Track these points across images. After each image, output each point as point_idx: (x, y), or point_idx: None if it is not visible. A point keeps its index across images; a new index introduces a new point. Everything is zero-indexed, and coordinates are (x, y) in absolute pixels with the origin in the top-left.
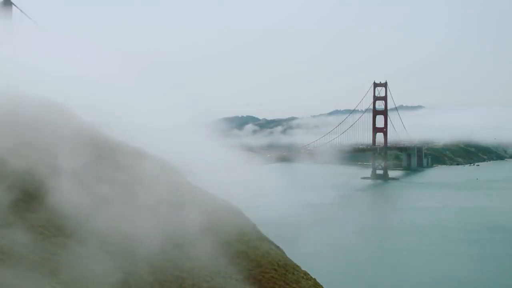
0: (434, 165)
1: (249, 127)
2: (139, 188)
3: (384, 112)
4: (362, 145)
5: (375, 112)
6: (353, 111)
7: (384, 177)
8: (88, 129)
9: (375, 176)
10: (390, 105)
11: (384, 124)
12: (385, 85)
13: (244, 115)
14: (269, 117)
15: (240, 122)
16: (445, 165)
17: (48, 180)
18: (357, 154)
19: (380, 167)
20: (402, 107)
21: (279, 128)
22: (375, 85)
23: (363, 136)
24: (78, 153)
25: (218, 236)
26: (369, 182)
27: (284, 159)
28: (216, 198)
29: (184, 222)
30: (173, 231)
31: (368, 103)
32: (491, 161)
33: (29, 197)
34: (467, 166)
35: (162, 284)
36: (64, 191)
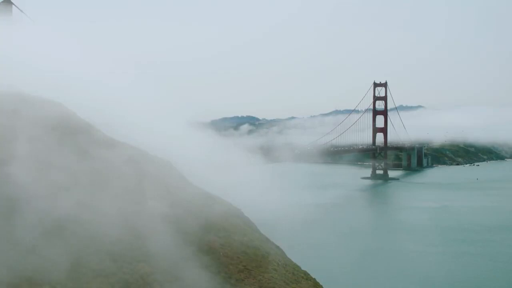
0: (434, 165)
1: (249, 127)
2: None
3: (384, 112)
4: (362, 145)
5: (375, 112)
6: (353, 111)
7: (384, 177)
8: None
9: (375, 176)
10: (390, 105)
11: (384, 124)
12: (385, 85)
13: (244, 115)
14: (269, 117)
15: (240, 122)
16: (445, 165)
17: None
18: (357, 154)
19: (380, 167)
20: (402, 107)
21: (279, 128)
22: (375, 85)
23: (363, 136)
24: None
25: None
26: (369, 182)
27: (284, 159)
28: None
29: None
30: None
31: (368, 103)
32: (491, 161)
33: None
34: (467, 166)
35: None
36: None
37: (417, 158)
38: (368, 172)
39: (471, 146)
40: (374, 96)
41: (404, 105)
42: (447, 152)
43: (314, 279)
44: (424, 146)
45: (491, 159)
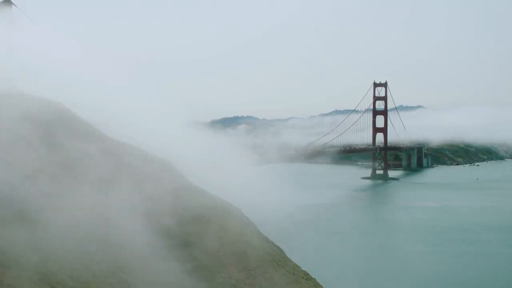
0: (434, 165)
1: (249, 127)
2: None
3: (384, 112)
4: (362, 145)
5: (375, 112)
6: (353, 111)
7: (384, 177)
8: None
9: (375, 176)
10: (390, 105)
11: (384, 124)
12: (385, 85)
13: (244, 115)
14: (269, 117)
15: (239, 122)
16: (445, 165)
17: None
18: (357, 154)
19: (380, 167)
20: (402, 107)
21: (279, 128)
22: (375, 85)
23: (363, 136)
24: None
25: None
26: (369, 182)
27: (284, 159)
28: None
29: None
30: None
31: (368, 103)
32: (491, 161)
33: None
34: (467, 166)
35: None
36: None
37: (417, 158)
38: (368, 172)
39: (471, 146)
40: (374, 96)
41: (404, 105)
42: (447, 152)
43: (314, 279)
44: (424, 146)
45: (491, 159)
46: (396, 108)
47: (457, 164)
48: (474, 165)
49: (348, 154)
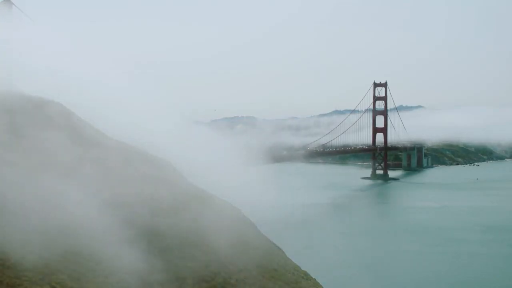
0: (434, 165)
1: (249, 127)
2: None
3: (384, 112)
4: (362, 145)
5: (375, 112)
6: (353, 111)
7: (384, 177)
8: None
9: (375, 176)
10: (390, 105)
11: (384, 124)
12: (385, 85)
13: (244, 115)
14: (269, 117)
15: (239, 122)
16: (445, 165)
17: None
18: (357, 154)
19: (380, 167)
20: (402, 107)
21: (279, 128)
22: (375, 85)
23: (363, 136)
24: None
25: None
26: (369, 182)
27: (283, 159)
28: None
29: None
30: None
31: (368, 103)
32: (491, 161)
33: None
34: (467, 166)
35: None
36: None
37: (417, 158)
38: (368, 172)
39: (471, 146)
40: (374, 96)
41: (404, 105)
42: (447, 152)
43: (314, 279)
44: (424, 146)
45: (491, 159)
46: (396, 108)
47: (457, 164)
48: (474, 165)
49: (348, 154)
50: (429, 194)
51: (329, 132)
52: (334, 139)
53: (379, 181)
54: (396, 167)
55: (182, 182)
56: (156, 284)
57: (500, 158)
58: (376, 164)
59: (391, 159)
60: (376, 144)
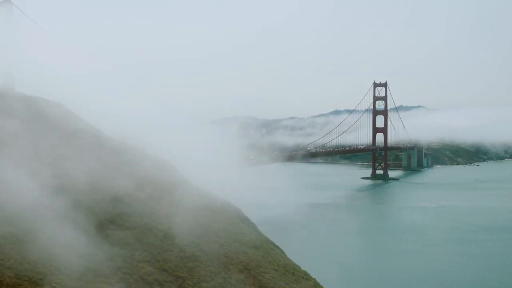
0: (434, 165)
1: (249, 127)
2: None
3: (384, 112)
4: (362, 145)
5: (375, 112)
6: (353, 111)
7: (384, 177)
8: None
9: (375, 176)
10: (390, 105)
11: (384, 124)
12: (385, 85)
13: (244, 115)
14: (269, 117)
15: (239, 122)
16: (445, 165)
17: None
18: (357, 154)
19: (380, 167)
20: (401, 107)
21: (279, 128)
22: (375, 85)
23: (363, 136)
24: None
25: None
26: (369, 182)
27: (283, 159)
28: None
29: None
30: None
31: (368, 103)
32: (491, 161)
33: None
34: (467, 166)
35: None
36: None
37: (417, 158)
38: (368, 172)
39: (471, 146)
40: (374, 96)
41: (404, 105)
42: (447, 152)
43: (314, 279)
44: (424, 146)
45: (491, 159)
46: (396, 108)
47: (457, 164)
48: (474, 165)
49: (348, 154)
50: (429, 194)
51: (329, 132)
52: (334, 139)
53: (379, 181)
54: (396, 167)
55: (184, 183)
56: None
57: (500, 158)
58: (376, 164)
59: (391, 159)
60: (376, 144)
